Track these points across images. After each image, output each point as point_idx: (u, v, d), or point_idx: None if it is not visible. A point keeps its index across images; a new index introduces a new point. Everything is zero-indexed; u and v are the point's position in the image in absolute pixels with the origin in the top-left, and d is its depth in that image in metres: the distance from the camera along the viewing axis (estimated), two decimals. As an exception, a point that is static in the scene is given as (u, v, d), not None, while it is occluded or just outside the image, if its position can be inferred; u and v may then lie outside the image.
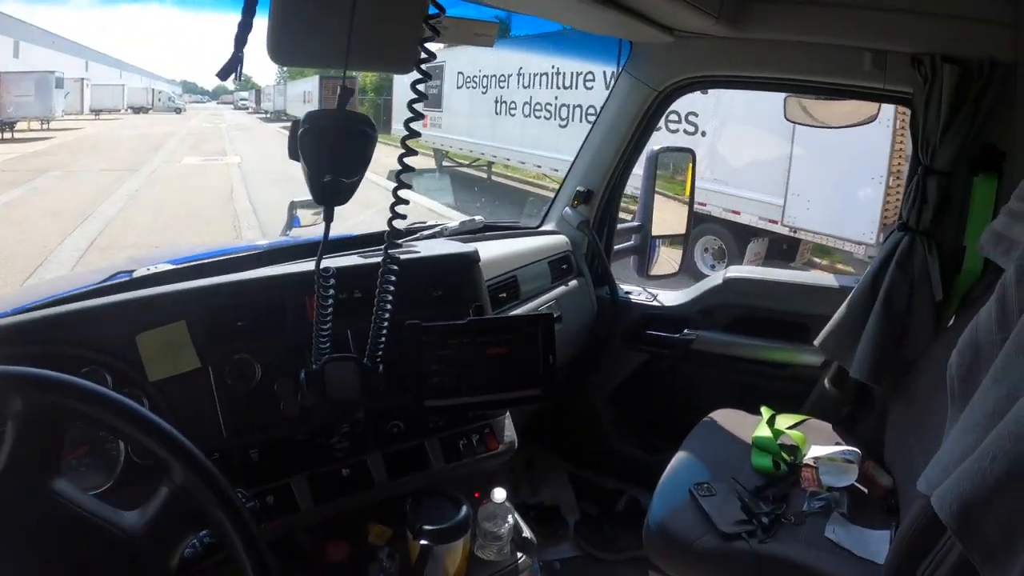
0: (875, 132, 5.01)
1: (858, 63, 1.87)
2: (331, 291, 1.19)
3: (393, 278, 1.24)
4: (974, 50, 1.67)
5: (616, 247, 2.47)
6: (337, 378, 1.26)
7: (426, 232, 1.91)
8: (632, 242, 2.50)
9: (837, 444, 1.80)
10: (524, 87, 10.51)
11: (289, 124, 1.00)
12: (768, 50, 2.00)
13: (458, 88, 12.27)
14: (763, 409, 1.96)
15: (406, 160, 1.09)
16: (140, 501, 0.85)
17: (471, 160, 13.82)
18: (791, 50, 1.97)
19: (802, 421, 1.93)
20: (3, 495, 0.78)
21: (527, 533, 1.46)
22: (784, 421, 1.91)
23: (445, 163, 14.33)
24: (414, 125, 1.08)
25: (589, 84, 8.97)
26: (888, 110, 1.89)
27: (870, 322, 1.83)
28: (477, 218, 2.14)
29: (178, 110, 45.77)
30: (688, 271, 2.40)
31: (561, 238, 2.31)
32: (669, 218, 2.53)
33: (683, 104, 7.01)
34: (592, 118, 2.34)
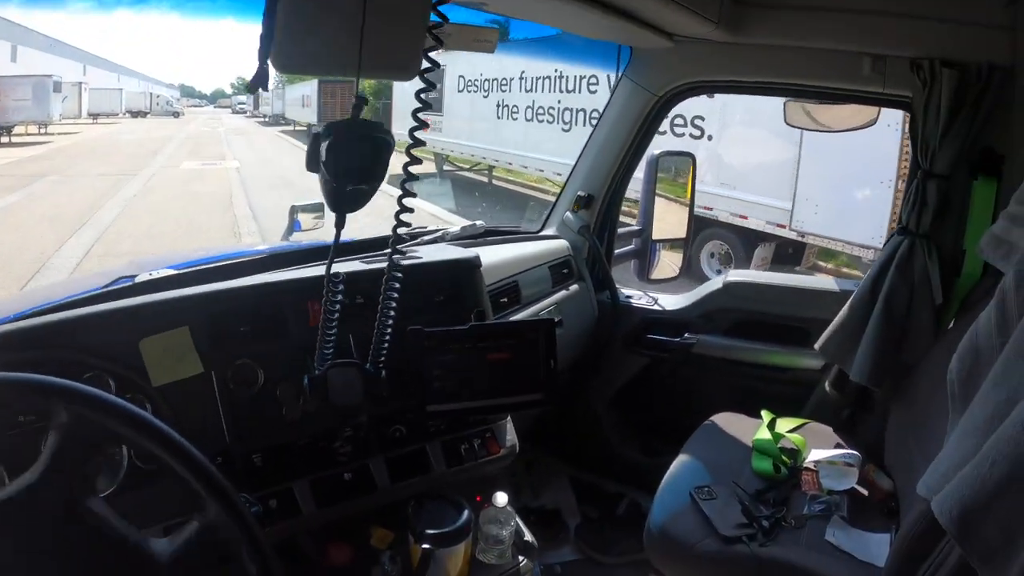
0: (883, 135, 4.99)
1: (857, 67, 1.87)
2: (339, 297, 1.20)
3: (397, 285, 1.25)
4: (972, 54, 1.68)
5: (617, 251, 2.47)
6: (340, 383, 1.26)
7: (427, 237, 1.92)
8: (633, 246, 2.50)
9: (837, 447, 1.80)
10: (526, 91, 10.45)
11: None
12: (768, 55, 2.01)
13: (459, 92, 12.23)
14: (763, 413, 1.96)
15: (411, 168, 1.10)
16: (141, 505, 0.85)
17: (472, 164, 13.80)
18: (791, 55, 1.98)
19: (802, 425, 1.94)
20: (36, 506, 0.79)
21: (528, 537, 1.47)
22: (784, 425, 1.91)
23: (446, 167, 14.28)
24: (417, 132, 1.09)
25: (593, 88, 8.90)
26: (897, 114, 1.90)
27: (870, 326, 1.83)
28: (478, 223, 2.15)
29: (176, 114, 45.81)
30: (694, 276, 2.41)
31: (562, 243, 2.32)
32: (672, 220, 2.53)
33: (689, 108, 7.00)
34: (596, 122, 2.34)
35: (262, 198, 11.26)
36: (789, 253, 6.92)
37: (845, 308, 1.92)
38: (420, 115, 1.07)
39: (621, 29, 1.83)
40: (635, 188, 2.46)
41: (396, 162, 1.05)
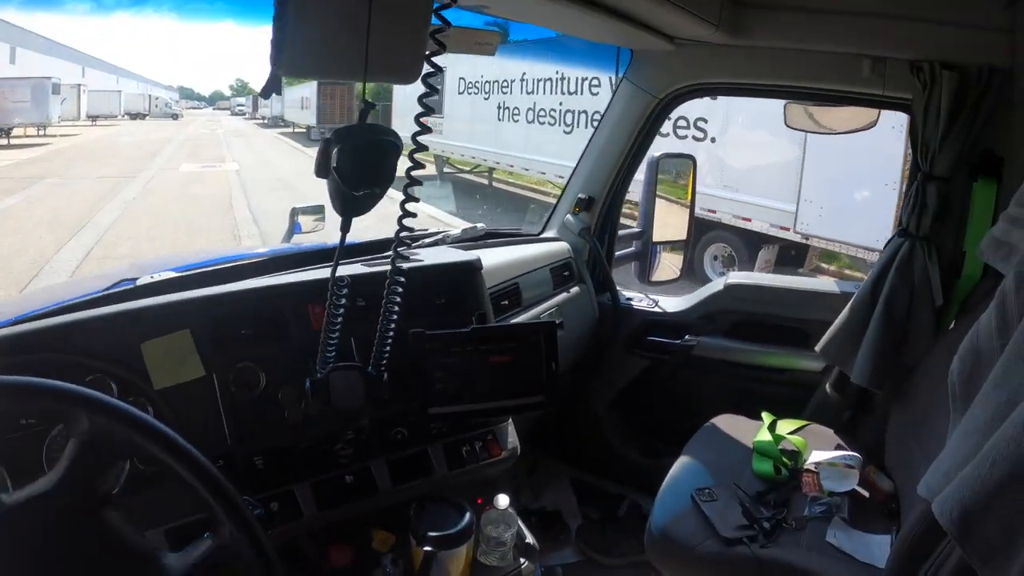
0: (888, 137, 4.97)
1: (857, 70, 1.88)
2: (343, 300, 1.21)
3: (400, 289, 1.25)
4: (972, 56, 1.68)
5: (617, 253, 2.48)
6: (342, 387, 1.26)
7: (428, 240, 1.92)
8: (633, 248, 2.50)
9: (838, 449, 1.81)
10: (528, 92, 10.43)
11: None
12: (768, 57, 2.01)
13: (459, 94, 12.23)
14: (764, 414, 1.96)
15: (414, 174, 1.10)
16: (143, 508, 0.85)
17: (472, 167, 13.78)
18: (791, 57, 1.98)
19: (803, 426, 1.94)
20: (51, 512, 0.79)
21: (530, 539, 1.47)
22: (785, 426, 1.92)
23: (446, 170, 14.27)
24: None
25: (595, 90, 8.87)
26: (901, 116, 1.89)
27: (871, 327, 1.83)
28: (479, 225, 2.15)
29: (175, 116, 45.83)
30: (697, 279, 2.41)
31: (563, 245, 2.32)
32: (673, 222, 2.54)
33: (692, 110, 7.00)
34: (596, 124, 2.34)
35: (262, 201, 11.23)
36: (792, 255, 6.92)
37: (846, 310, 1.92)
38: (422, 120, 1.08)
39: (621, 32, 1.84)
40: (636, 190, 2.46)
41: (398, 165, 1.05)
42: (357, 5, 0.87)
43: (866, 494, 1.67)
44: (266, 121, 37.83)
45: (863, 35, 1.83)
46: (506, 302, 1.89)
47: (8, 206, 10.54)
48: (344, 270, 1.31)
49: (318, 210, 2.18)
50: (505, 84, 11.04)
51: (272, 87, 0.90)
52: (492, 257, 1.89)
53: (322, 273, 1.44)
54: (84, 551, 0.80)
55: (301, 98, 25.01)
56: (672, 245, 2.56)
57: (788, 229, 6.47)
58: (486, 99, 11.59)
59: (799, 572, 1.45)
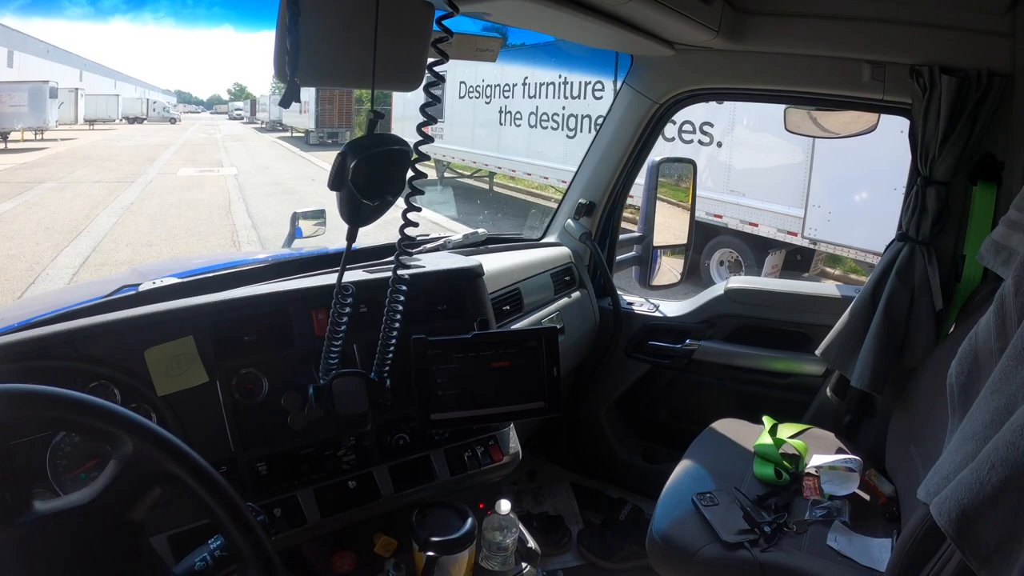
0: (896, 141, 4.88)
1: (857, 75, 1.89)
2: (348, 307, 1.21)
3: (402, 296, 1.26)
4: (972, 61, 1.69)
5: (618, 257, 2.48)
6: (345, 393, 1.27)
7: (430, 245, 1.93)
8: (634, 253, 2.51)
9: (839, 453, 1.81)
10: (530, 97, 10.41)
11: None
12: (768, 62, 2.02)
13: (460, 98, 12.20)
14: (765, 418, 1.97)
15: (415, 184, 1.11)
16: (148, 518, 0.86)
17: (473, 171, 13.75)
18: (790, 62, 1.99)
19: (804, 430, 1.94)
20: (82, 527, 0.80)
21: (531, 543, 1.47)
22: (786, 430, 1.92)
23: (447, 174, 14.25)
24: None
25: (598, 94, 8.84)
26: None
27: (871, 331, 1.84)
28: (480, 231, 2.16)
29: (173, 120, 45.89)
30: (703, 285, 2.41)
31: (564, 250, 2.33)
32: (673, 227, 2.54)
33: (698, 114, 6.98)
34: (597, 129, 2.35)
35: (261, 206, 11.24)
36: (797, 260, 6.90)
37: (846, 314, 1.92)
38: (424, 129, 1.09)
39: (622, 38, 1.84)
40: (637, 194, 2.46)
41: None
42: (364, 17, 0.88)
43: (867, 497, 1.68)
44: (264, 125, 37.88)
45: (863, 40, 1.84)
46: (507, 307, 1.90)
47: (4, 211, 10.51)
48: (346, 277, 1.32)
49: (319, 214, 2.19)
50: (507, 88, 11.01)
51: (292, 96, 0.91)
52: (493, 262, 1.89)
53: (325, 279, 1.44)
54: (107, 568, 0.81)
55: (300, 102, 25.00)
56: (673, 249, 2.57)
57: (796, 234, 6.43)
58: (487, 103, 11.57)
59: None
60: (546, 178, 10.41)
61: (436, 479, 1.46)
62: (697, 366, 2.31)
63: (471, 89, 11.97)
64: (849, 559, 1.49)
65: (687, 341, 2.32)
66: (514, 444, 1.58)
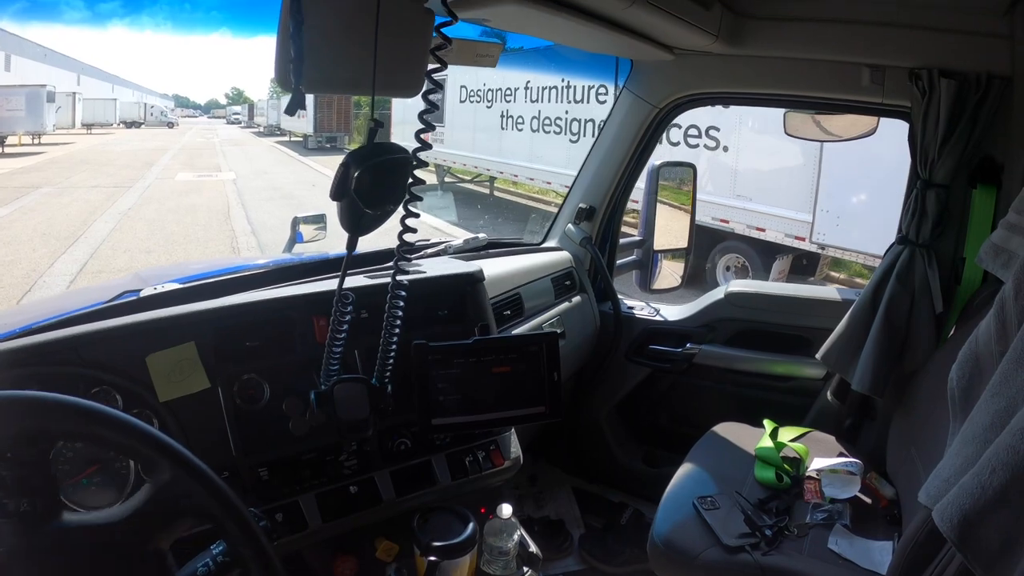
0: (905, 145, 4.89)
1: (856, 78, 1.89)
2: (348, 315, 1.22)
3: (402, 303, 1.26)
4: (971, 64, 1.69)
5: (619, 262, 2.49)
6: (347, 399, 1.27)
7: (430, 250, 1.93)
8: (635, 257, 2.51)
9: (840, 456, 1.81)
10: (532, 101, 10.34)
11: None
12: (767, 67, 2.02)
13: (461, 102, 12.16)
14: (766, 422, 1.97)
15: (414, 190, 1.12)
16: None
17: (474, 176, 13.71)
18: (790, 66, 2.00)
19: (805, 433, 1.94)
20: (107, 541, 0.81)
21: (533, 548, 1.47)
22: (787, 434, 1.92)
23: (447, 179, 14.20)
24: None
25: (602, 98, 8.74)
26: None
27: (871, 335, 1.84)
28: (480, 235, 2.16)
29: (171, 124, 45.92)
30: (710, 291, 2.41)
31: (564, 254, 2.33)
32: (674, 230, 2.54)
33: (703, 118, 6.94)
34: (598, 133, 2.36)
35: (259, 211, 11.21)
36: (803, 264, 6.87)
37: (846, 317, 1.92)
38: (423, 136, 1.09)
39: (622, 43, 1.85)
40: (638, 197, 2.47)
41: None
42: (364, 23, 0.88)
43: (868, 501, 1.68)
44: (262, 129, 37.88)
45: (861, 44, 1.84)
46: (508, 312, 1.90)
47: (1, 216, 10.46)
48: (347, 283, 1.33)
49: (319, 219, 2.19)
50: (508, 92, 10.95)
51: (297, 104, 0.92)
52: (494, 267, 1.90)
53: (326, 285, 1.44)
54: None
55: (304, 109, 24.96)
56: (673, 253, 2.57)
57: (803, 239, 6.36)
58: (488, 107, 11.52)
59: None
60: (549, 183, 10.35)
61: (437, 484, 1.46)
62: (698, 370, 2.32)
63: (472, 93, 11.92)
64: (850, 562, 1.49)
65: (688, 345, 2.32)
66: (515, 448, 1.58)
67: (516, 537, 1.41)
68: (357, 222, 1.04)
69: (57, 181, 14.63)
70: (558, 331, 2.03)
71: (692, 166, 2.62)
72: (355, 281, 1.47)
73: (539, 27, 1.68)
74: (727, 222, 6.83)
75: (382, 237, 1.24)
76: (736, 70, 2.07)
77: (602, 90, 8.71)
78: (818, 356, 1.97)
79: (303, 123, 24.71)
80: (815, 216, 6.25)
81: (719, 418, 2.05)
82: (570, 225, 2.35)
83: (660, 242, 2.46)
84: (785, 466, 1.78)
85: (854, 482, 1.69)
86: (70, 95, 28.95)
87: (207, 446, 1.22)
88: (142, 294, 1.46)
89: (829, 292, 2.32)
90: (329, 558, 1.37)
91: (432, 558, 1.28)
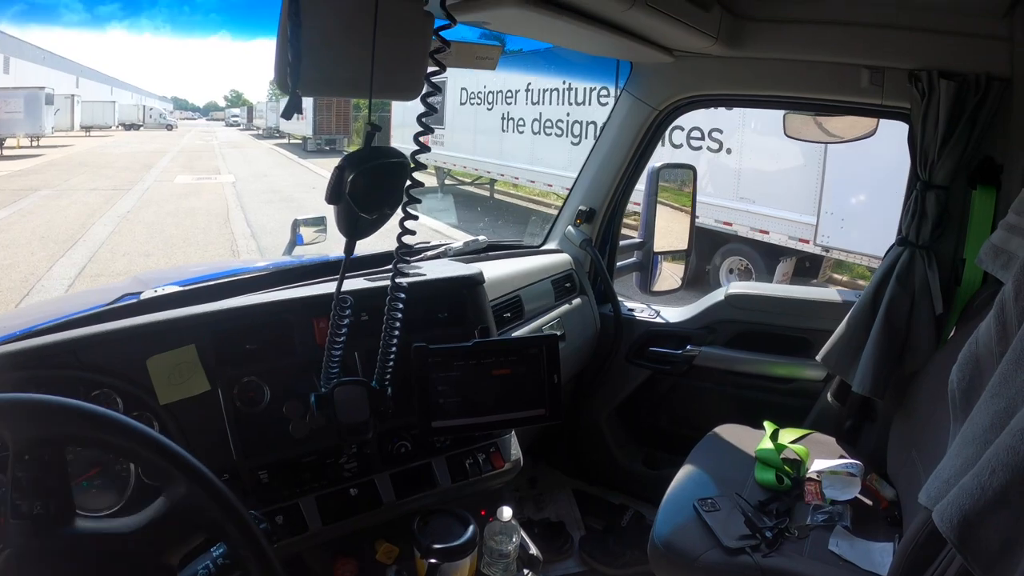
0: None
1: (856, 80, 1.89)
2: (347, 318, 1.22)
3: (401, 305, 1.27)
4: (971, 65, 1.69)
5: (619, 264, 2.49)
6: (347, 401, 1.27)
7: (430, 253, 1.93)
8: (635, 259, 2.51)
9: (840, 457, 1.81)
10: (533, 103, 10.29)
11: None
12: (767, 68, 2.02)
13: (461, 105, 12.13)
14: (766, 424, 1.96)
15: (413, 191, 1.12)
16: None
17: (474, 179, 13.68)
18: (789, 68, 2.00)
19: (805, 435, 1.94)
20: (119, 553, 0.81)
21: (533, 550, 1.47)
22: (787, 435, 1.92)
23: (447, 182, 14.18)
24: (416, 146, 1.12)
25: (604, 100, 8.66)
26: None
27: (871, 336, 1.84)
28: (480, 238, 2.16)
29: (169, 127, 45.95)
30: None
31: (564, 257, 2.33)
32: (674, 232, 2.54)
33: (706, 120, 6.92)
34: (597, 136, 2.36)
35: (259, 214, 11.19)
36: (806, 267, 6.83)
37: (846, 319, 1.93)
38: (421, 139, 1.10)
39: (621, 46, 1.85)
40: (638, 199, 2.47)
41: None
42: (363, 26, 0.89)
43: (868, 502, 1.68)
44: (261, 132, 37.91)
45: (861, 45, 1.85)
46: (508, 314, 1.90)
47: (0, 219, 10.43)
48: (346, 285, 1.33)
49: (319, 221, 2.19)
50: (509, 95, 10.91)
51: (294, 108, 0.92)
52: (494, 270, 1.90)
53: (326, 288, 1.44)
54: None
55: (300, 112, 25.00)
56: (673, 255, 2.57)
57: (808, 242, 6.31)
58: (489, 110, 11.48)
59: None
60: (550, 185, 10.28)
61: (437, 486, 1.46)
62: (698, 372, 2.32)
63: (472, 96, 11.88)
64: (851, 563, 1.49)
65: (688, 347, 2.32)
66: (515, 451, 1.58)
67: (516, 539, 1.41)
68: (354, 226, 1.05)
69: (55, 184, 14.61)
70: (558, 333, 2.03)
71: (692, 168, 2.62)
72: (354, 284, 1.47)
73: (539, 30, 1.68)
74: (730, 225, 6.79)
75: (383, 239, 1.24)
76: (736, 72, 2.07)
77: (604, 92, 8.64)
78: (818, 358, 1.97)
79: (302, 126, 24.73)
80: (819, 218, 6.21)
81: (719, 420, 2.05)
82: (570, 227, 2.36)
83: (660, 244, 2.46)
84: (785, 468, 1.78)
85: (854, 484, 1.69)
86: (69, 97, 28.95)
87: (207, 449, 1.22)
88: (142, 297, 1.46)
89: (829, 294, 2.32)
90: (329, 560, 1.37)
91: (432, 560, 1.28)
